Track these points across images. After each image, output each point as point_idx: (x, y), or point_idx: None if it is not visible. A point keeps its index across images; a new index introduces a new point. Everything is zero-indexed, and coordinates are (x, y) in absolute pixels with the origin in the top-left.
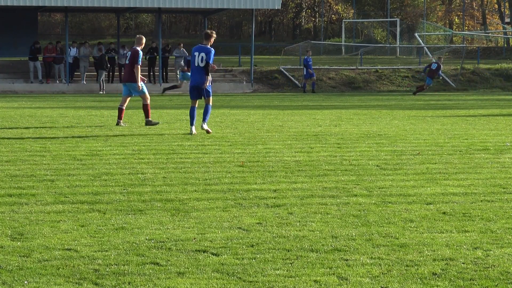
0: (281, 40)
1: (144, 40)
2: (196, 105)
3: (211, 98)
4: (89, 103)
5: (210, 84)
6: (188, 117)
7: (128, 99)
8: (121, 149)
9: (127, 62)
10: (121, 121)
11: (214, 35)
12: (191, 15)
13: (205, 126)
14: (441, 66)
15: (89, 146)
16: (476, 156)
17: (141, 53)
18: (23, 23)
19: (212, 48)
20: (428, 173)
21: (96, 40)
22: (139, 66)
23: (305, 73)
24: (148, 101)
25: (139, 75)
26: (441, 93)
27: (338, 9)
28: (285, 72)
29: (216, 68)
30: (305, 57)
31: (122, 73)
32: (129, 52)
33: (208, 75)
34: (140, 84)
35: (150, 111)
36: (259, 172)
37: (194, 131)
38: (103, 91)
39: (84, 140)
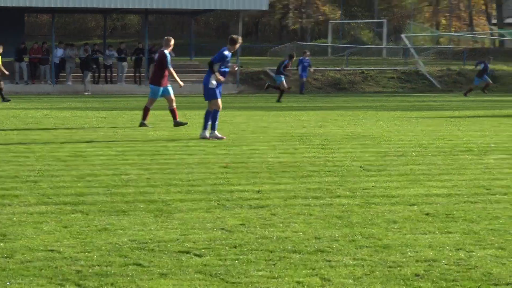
0: (268, 41)
1: (172, 41)
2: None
3: (212, 102)
4: (74, 104)
5: (216, 86)
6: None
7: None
8: (105, 150)
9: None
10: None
11: (240, 41)
12: (178, 16)
13: (205, 134)
14: (488, 66)
15: (73, 147)
16: (460, 157)
17: (168, 55)
18: (9, 24)
19: (224, 50)
20: (411, 174)
21: (83, 41)
22: (169, 69)
23: (300, 72)
24: (174, 104)
25: (173, 77)
26: (426, 94)
27: (325, 10)
28: (271, 74)
29: (236, 68)
30: (301, 57)
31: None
32: (157, 54)
33: (211, 74)
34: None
35: (177, 113)
36: (243, 173)
37: (205, 134)
38: (88, 92)
39: (68, 141)
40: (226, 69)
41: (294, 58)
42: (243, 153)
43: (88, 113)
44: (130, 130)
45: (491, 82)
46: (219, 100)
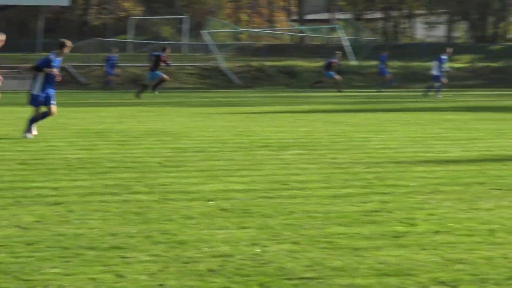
0: (69, 37)
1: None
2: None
3: (35, 109)
4: None
5: (40, 92)
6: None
7: None
8: None
9: None
10: None
11: (69, 45)
12: None
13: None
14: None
15: None
16: (258, 153)
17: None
18: None
19: (50, 55)
20: (210, 170)
21: None
22: None
23: (106, 69)
24: None
25: None
26: (226, 90)
27: (127, 6)
28: (71, 70)
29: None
30: (109, 55)
31: None
32: None
33: (36, 79)
34: None
35: None
36: (40, 170)
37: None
38: None
39: None
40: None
41: (167, 50)
42: (40, 149)
43: None
44: None
45: (337, 78)
46: (53, 107)
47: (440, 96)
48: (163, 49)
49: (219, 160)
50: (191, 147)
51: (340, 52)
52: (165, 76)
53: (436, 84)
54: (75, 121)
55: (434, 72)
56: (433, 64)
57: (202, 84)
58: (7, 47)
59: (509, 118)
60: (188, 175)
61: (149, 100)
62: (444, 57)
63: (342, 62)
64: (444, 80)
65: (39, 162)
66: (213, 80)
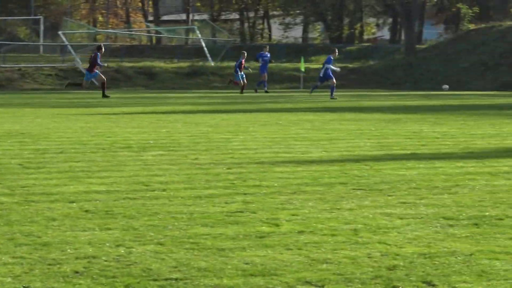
0: None
1: None
2: None
3: None
4: None
5: None
6: None
7: None
8: None
9: None
10: None
11: None
12: None
13: None
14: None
15: None
16: (119, 154)
17: None
18: None
19: None
20: (71, 171)
21: None
22: None
23: None
24: None
25: None
26: (84, 92)
27: None
28: None
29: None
30: None
31: None
32: None
33: None
34: None
35: None
36: None
37: None
38: None
39: None
40: None
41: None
42: None
43: None
44: None
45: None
46: None
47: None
48: (98, 48)
49: (79, 161)
50: (51, 148)
51: (245, 52)
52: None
53: (316, 84)
54: None
55: (321, 73)
56: (324, 65)
57: (60, 84)
58: None
59: (368, 118)
60: (49, 177)
61: (6, 101)
62: (332, 58)
63: (200, 64)
64: (333, 81)
65: None
66: (71, 80)
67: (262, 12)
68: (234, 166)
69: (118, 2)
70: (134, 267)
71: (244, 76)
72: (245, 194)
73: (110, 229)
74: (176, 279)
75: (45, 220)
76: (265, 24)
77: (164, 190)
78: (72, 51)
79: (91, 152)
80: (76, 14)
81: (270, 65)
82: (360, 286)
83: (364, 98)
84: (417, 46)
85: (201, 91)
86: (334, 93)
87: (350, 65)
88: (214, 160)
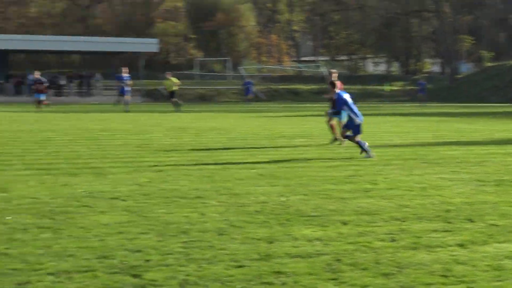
0: (159, 71)
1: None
2: None
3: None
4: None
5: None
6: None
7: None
8: (64, 137)
9: None
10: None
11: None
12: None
13: None
14: None
15: (45, 134)
16: (277, 141)
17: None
18: None
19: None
20: (248, 151)
21: (42, 70)
22: None
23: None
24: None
25: None
26: (251, 103)
27: (192, 52)
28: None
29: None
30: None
31: None
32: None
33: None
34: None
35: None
36: (148, 151)
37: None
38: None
39: (40, 130)
40: None
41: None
42: (147, 138)
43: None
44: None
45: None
46: None
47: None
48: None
49: (253, 145)
50: (237, 137)
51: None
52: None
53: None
54: (170, 119)
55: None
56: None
57: (241, 99)
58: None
59: (427, 120)
60: (235, 153)
61: (209, 108)
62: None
63: (324, 86)
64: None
65: (148, 146)
66: (240, 96)
67: (361, 55)
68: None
69: (273, 49)
70: (290, 208)
71: None
72: (355, 165)
73: (275, 185)
74: (315, 216)
75: (236, 180)
76: (363, 62)
77: (307, 161)
78: (248, 79)
79: (260, 139)
80: (249, 57)
81: (367, 87)
82: (427, 221)
83: (424, 108)
84: (456, 76)
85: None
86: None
87: (416, 87)
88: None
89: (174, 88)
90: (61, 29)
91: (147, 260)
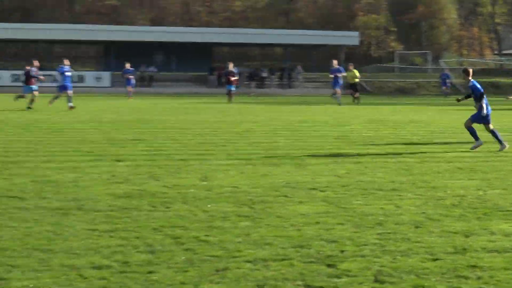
0: (358, 63)
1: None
2: None
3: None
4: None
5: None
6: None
7: None
8: (265, 128)
9: None
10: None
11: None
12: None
13: None
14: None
15: (246, 125)
16: None
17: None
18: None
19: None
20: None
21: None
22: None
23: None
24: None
25: None
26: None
27: (393, 45)
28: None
29: None
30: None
31: None
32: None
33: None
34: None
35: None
36: (347, 142)
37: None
38: (254, 93)
39: (242, 121)
40: None
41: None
42: (347, 130)
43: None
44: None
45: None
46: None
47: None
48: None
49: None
50: (436, 130)
51: None
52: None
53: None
54: (369, 111)
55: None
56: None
57: (440, 92)
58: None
59: None
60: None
61: (407, 102)
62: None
63: None
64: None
65: (346, 138)
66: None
67: None
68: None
69: (475, 42)
70: (488, 202)
71: None
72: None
73: (473, 179)
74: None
75: (434, 173)
76: None
77: (506, 154)
78: (448, 72)
79: (459, 132)
80: (450, 50)
81: None
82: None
83: None
84: None
85: None
86: None
87: None
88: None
89: (356, 80)
90: (265, 23)
91: (342, 251)
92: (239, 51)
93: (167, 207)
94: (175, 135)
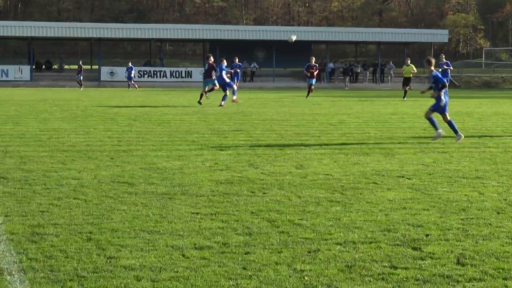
0: (451, 59)
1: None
2: None
3: None
4: (340, 93)
5: None
6: None
7: None
8: (357, 119)
9: None
10: None
11: None
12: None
13: None
14: None
15: (340, 117)
16: None
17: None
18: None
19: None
20: None
21: (343, 59)
22: None
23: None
24: None
25: None
26: None
27: (481, 41)
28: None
29: None
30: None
31: None
32: None
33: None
34: None
35: None
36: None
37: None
38: (347, 87)
39: (336, 113)
40: None
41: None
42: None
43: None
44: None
45: None
46: None
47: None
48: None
49: None
50: None
51: None
52: None
53: None
54: (454, 105)
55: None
56: None
57: None
58: None
59: None
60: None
61: (497, 95)
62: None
63: None
64: None
65: (432, 129)
66: None
67: None
68: None
69: None
70: None
71: None
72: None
73: None
74: None
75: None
76: None
77: None
78: None
79: None
80: None
81: None
82: None
83: None
84: None
85: None
86: None
87: None
88: None
89: (410, 75)
90: (359, 21)
91: (427, 235)
92: (335, 48)
93: (264, 193)
94: (273, 126)
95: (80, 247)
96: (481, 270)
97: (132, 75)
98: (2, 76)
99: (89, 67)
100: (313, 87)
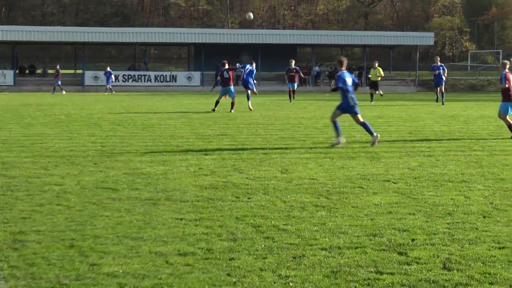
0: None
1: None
2: None
3: None
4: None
5: None
6: None
7: None
8: (342, 123)
9: None
10: None
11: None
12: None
13: None
14: None
15: (325, 121)
16: None
17: None
18: (284, 54)
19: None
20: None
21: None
22: None
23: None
24: None
25: None
26: None
27: (466, 44)
28: None
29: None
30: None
31: None
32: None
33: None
34: None
35: None
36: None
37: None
38: None
39: (321, 117)
40: None
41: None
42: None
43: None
44: None
45: None
46: None
47: None
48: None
49: None
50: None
51: None
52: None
53: None
54: (443, 107)
55: None
56: None
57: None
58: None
59: None
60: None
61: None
62: None
63: None
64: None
65: (419, 132)
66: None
67: None
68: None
69: None
70: None
71: None
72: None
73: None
74: None
75: (502, 165)
76: None
77: None
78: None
79: None
80: None
81: None
82: None
83: None
84: None
85: None
86: None
87: None
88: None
89: (378, 78)
90: (345, 24)
91: (413, 239)
92: (321, 51)
93: (249, 198)
94: (258, 130)
95: (63, 254)
96: (467, 274)
97: (112, 79)
98: None
99: (73, 71)
100: (292, 89)
